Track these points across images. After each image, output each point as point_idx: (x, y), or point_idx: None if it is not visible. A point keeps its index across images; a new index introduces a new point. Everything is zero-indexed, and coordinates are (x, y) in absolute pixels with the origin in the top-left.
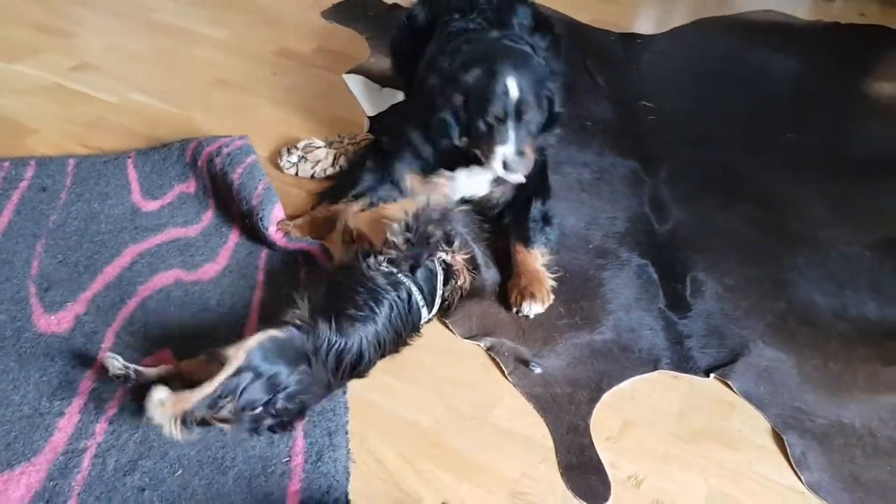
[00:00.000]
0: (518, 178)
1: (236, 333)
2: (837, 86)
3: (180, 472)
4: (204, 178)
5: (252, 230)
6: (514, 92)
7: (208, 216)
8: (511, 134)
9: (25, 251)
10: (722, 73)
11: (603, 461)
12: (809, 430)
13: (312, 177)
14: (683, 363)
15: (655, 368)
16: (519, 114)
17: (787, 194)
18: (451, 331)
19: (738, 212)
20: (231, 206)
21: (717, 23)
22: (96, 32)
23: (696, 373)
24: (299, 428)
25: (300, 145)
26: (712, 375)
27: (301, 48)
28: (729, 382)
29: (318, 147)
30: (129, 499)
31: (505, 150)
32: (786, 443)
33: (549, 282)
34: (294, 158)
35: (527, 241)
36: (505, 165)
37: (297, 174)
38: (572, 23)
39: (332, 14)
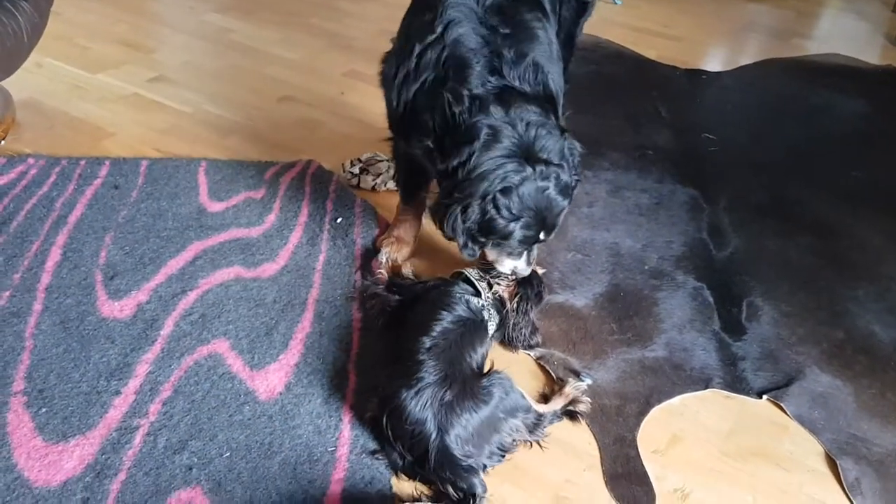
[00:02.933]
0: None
1: (290, 328)
2: None
3: (228, 454)
4: (280, 191)
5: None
6: (542, 237)
7: (271, 219)
8: (524, 254)
9: (95, 242)
10: (783, 110)
11: (649, 473)
12: (865, 456)
13: (373, 188)
14: (736, 384)
15: (707, 387)
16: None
17: (845, 226)
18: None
19: (796, 240)
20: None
21: (782, 63)
22: (176, 49)
23: (748, 394)
24: (346, 420)
25: (363, 157)
26: (765, 397)
27: (369, 71)
28: (782, 405)
29: (381, 161)
30: (176, 475)
31: (517, 264)
32: (839, 468)
33: None
34: (356, 170)
35: None
36: (513, 271)
37: (358, 185)
38: (639, 58)
39: None
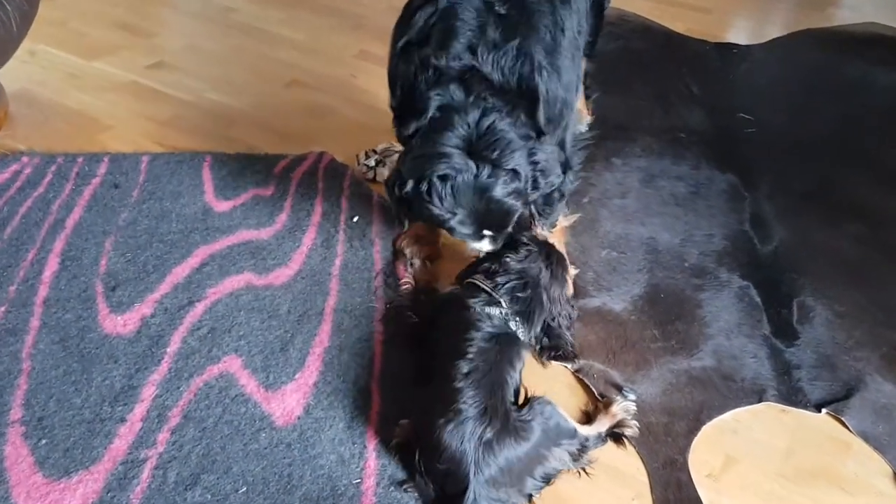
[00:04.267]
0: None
1: (307, 342)
2: None
3: (244, 489)
4: (290, 187)
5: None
6: (486, 234)
7: (282, 219)
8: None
9: (94, 248)
10: (819, 85)
11: (703, 499)
12: None
13: None
14: (792, 396)
15: (760, 400)
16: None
17: (892, 210)
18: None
19: (844, 230)
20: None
21: (815, 34)
22: (175, 32)
23: (806, 407)
24: (371, 447)
25: (379, 149)
26: (824, 411)
27: (382, 52)
28: (843, 419)
29: (398, 151)
30: None
31: (481, 246)
32: None
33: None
34: (372, 162)
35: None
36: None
37: (374, 178)
38: (667, 32)
39: None
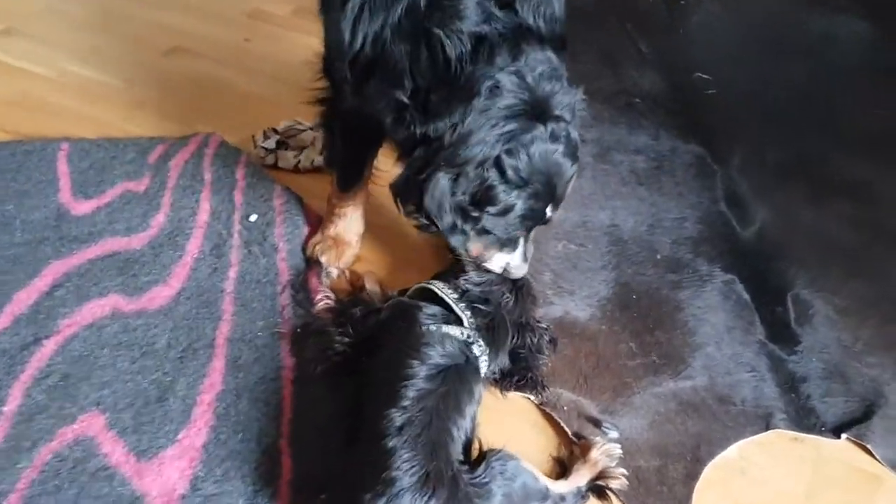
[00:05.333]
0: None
1: (193, 387)
2: None
3: None
4: (169, 180)
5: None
6: (548, 212)
7: (159, 222)
8: (521, 244)
9: None
10: (779, 39)
11: None
12: None
13: (296, 168)
14: (803, 419)
15: (767, 427)
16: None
17: (882, 184)
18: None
19: (831, 208)
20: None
21: None
22: None
23: (821, 432)
24: None
25: (280, 127)
26: (844, 436)
27: (278, 10)
28: (868, 446)
29: (304, 130)
30: None
31: (511, 259)
32: None
33: None
34: (272, 144)
35: None
36: (504, 269)
37: (275, 164)
38: None
39: None
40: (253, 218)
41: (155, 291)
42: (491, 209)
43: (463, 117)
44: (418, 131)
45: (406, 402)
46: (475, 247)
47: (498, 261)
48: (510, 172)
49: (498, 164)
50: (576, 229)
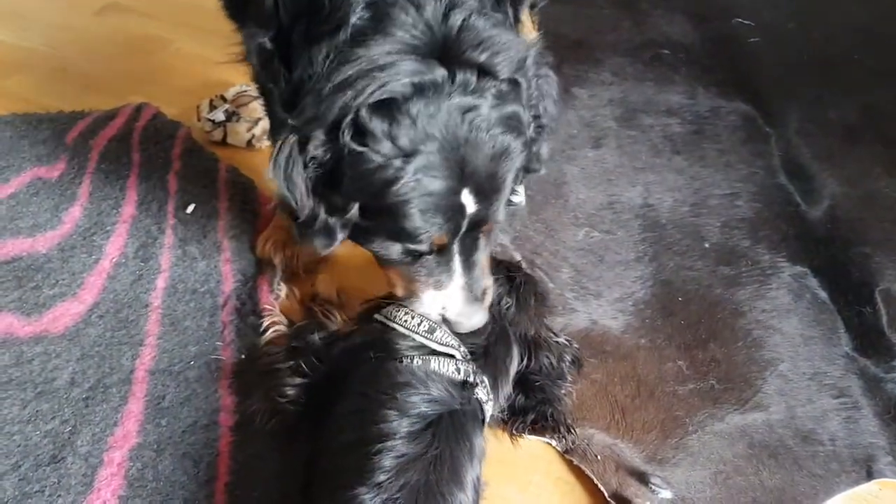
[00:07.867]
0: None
1: (100, 441)
2: None
3: None
4: (89, 163)
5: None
6: (472, 206)
7: (74, 216)
8: (456, 270)
9: None
10: None
11: None
12: None
13: (249, 144)
14: None
15: (870, 475)
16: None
17: None
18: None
19: None
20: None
21: None
22: None
23: None
24: None
25: (230, 94)
26: None
27: None
28: None
29: (257, 97)
30: None
31: (447, 297)
32: None
33: None
34: (220, 115)
35: None
36: (444, 317)
37: (224, 139)
38: None
39: None
40: (191, 209)
41: (60, 309)
42: (353, 190)
43: (328, 56)
44: (284, 84)
45: (382, 477)
46: (389, 272)
47: (430, 301)
48: (378, 135)
49: (357, 122)
50: (600, 212)
